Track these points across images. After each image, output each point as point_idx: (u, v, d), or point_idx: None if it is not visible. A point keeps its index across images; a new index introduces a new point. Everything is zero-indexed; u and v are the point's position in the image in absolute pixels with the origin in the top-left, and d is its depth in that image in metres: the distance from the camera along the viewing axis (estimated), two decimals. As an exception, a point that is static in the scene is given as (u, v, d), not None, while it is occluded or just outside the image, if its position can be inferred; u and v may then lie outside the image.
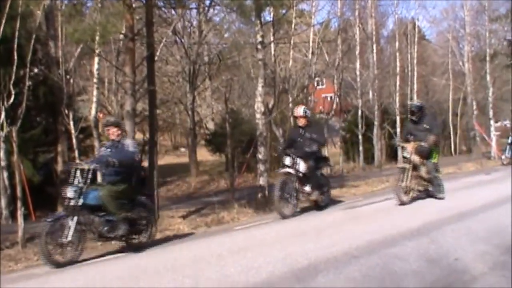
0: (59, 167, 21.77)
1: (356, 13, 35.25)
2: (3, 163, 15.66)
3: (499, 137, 35.05)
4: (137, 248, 9.16)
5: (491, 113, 33.15)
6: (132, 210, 9.11)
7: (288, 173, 12.00)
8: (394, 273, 5.97)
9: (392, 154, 38.91)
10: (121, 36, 16.64)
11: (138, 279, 6.76)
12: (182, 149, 45.34)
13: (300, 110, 12.71)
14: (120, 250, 9.19)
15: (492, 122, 33.15)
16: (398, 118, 37.02)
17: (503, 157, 24.58)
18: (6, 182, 15.49)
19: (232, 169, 20.33)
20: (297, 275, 6.19)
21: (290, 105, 29.72)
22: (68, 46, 20.53)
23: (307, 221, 11.11)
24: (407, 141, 12.53)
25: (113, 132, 9.22)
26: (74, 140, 21.10)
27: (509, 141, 24.53)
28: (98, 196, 8.58)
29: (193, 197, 21.82)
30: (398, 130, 37.56)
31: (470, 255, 6.57)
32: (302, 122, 12.55)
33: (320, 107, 42.36)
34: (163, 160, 34.33)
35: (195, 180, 28.78)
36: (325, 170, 13.74)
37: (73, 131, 20.75)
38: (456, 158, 34.96)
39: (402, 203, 11.70)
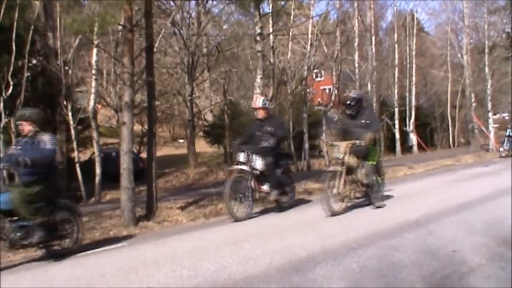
0: (57, 158, 21.80)
1: (355, 5, 35.25)
2: (1, 154, 15.63)
3: (497, 129, 35.10)
4: (60, 256, 8.07)
5: (489, 105, 33.15)
6: (52, 214, 8.05)
7: (242, 170, 10.92)
8: (392, 264, 5.99)
9: (390, 145, 39.03)
10: (120, 27, 16.67)
11: (137, 269, 6.78)
12: (181, 141, 45.42)
13: (259, 101, 11.66)
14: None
15: (490, 114, 33.15)
16: (396, 110, 37.07)
17: (501, 149, 24.56)
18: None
19: (231, 160, 20.33)
20: (295, 266, 6.21)
21: (289, 96, 29.80)
22: (66, 37, 20.57)
23: (305, 213, 11.12)
24: (344, 139, 10.73)
25: (26, 128, 8.11)
26: (72, 131, 21.20)
27: (507, 134, 24.53)
28: (9, 199, 7.59)
29: (192, 189, 21.84)
30: (396, 122, 37.66)
31: (468, 247, 6.58)
32: (261, 114, 11.44)
33: (319, 99, 42.32)
34: (162, 151, 34.36)
35: (193, 172, 28.81)
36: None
37: (71, 122, 20.84)
38: (454, 150, 35.01)
39: (333, 214, 9.85)
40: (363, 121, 10.71)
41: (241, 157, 10.99)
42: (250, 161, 10.89)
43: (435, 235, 7.42)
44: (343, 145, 10.28)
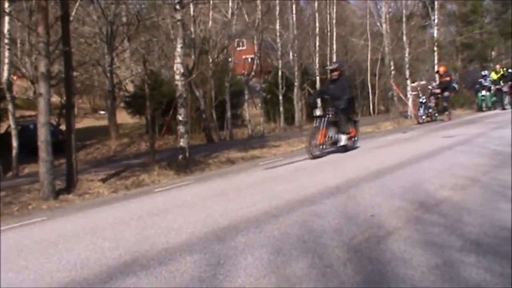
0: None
1: (275, -27, 35.17)
2: None
3: (415, 96, 35.95)
4: None
5: (407, 73, 33.85)
6: None
7: None
8: (313, 230, 6.06)
9: (312, 114, 39.52)
10: (33, -6, 16.10)
11: (56, 243, 6.64)
12: (102, 112, 44.52)
13: None
14: None
15: (408, 82, 33.86)
16: (318, 78, 37.44)
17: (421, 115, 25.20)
18: None
19: (152, 131, 20.14)
20: (217, 235, 6.21)
21: (211, 66, 29.67)
22: (-24, 5, 19.72)
23: (228, 182, 11.15)
24: None
25: None
26: (-14, 104, 20.44)
27: (421, 100, 25.35)
28: None
29: (113, 160, 21.51)
30: (318, 90, 38.04)
31: (386, 211, 6.73)
32: None
33: (243, 71, 42.34)
34: (82, 123, 33.70)
35: (115, 143, 28.40)
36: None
37: (-16, 95, 20.07)
38: (374, 117, 35.72)
39: None
40: None
41: None
42: None
43: (355, 200, 7.56)
44: None
